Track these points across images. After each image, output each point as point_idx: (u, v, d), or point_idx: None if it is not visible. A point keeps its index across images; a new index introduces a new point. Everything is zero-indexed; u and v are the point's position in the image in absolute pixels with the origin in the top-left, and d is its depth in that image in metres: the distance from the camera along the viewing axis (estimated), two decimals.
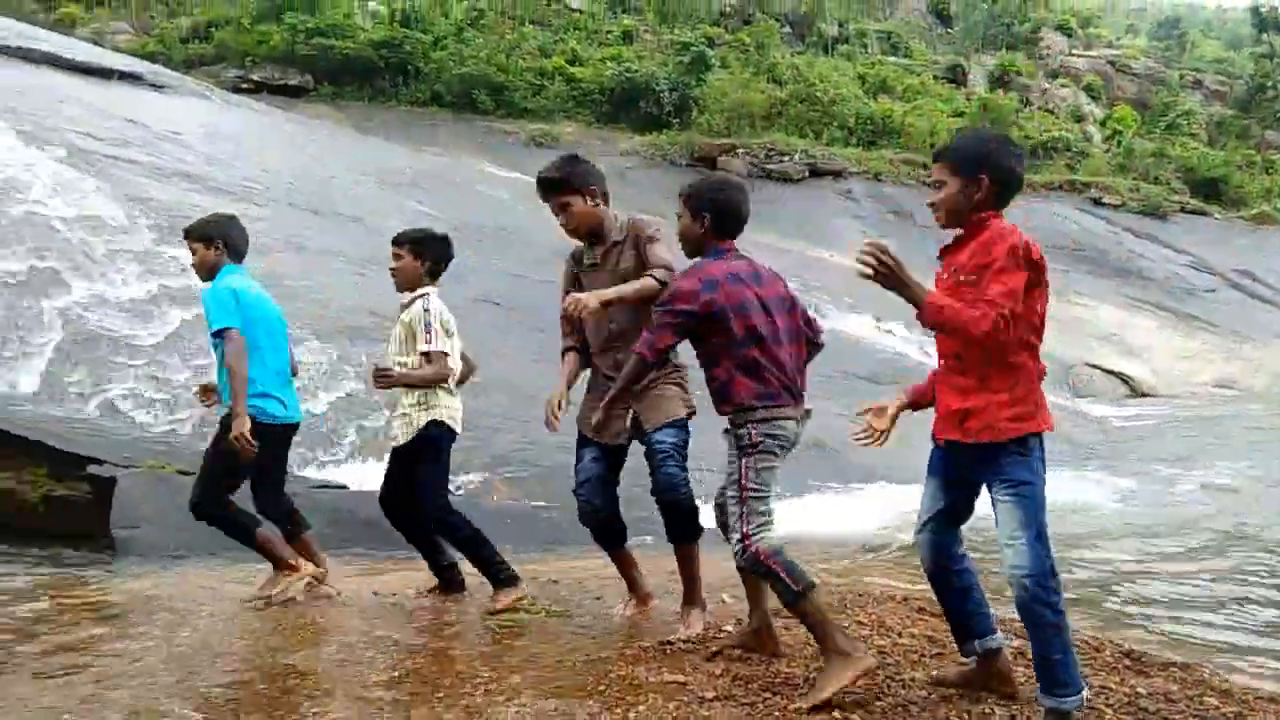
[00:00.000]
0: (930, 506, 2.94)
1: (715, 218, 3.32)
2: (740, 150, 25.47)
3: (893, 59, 36.19)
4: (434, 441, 4.18)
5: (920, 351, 15.04)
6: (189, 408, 6.94)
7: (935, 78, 34.86)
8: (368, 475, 6.38)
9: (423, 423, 4.17)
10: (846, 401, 11.36)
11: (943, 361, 2.91)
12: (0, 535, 5.60)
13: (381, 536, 4.65)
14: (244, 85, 24.65)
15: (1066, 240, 24.98)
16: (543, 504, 6.78)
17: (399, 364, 4.22)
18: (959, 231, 2.88)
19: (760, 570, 3.02)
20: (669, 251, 3.70)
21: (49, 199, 8.91)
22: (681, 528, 3.64)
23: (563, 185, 3.79)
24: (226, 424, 4.20)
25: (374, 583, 4.81)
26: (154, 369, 7.37)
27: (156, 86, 15.69)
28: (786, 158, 25.36)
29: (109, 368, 7.23)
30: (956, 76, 35.91)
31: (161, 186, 10.44)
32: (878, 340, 14.94)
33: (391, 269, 4.35)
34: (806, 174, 25.12)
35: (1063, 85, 36.79)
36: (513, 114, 26.67)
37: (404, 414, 4.22)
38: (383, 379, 4.12)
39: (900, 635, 3.50)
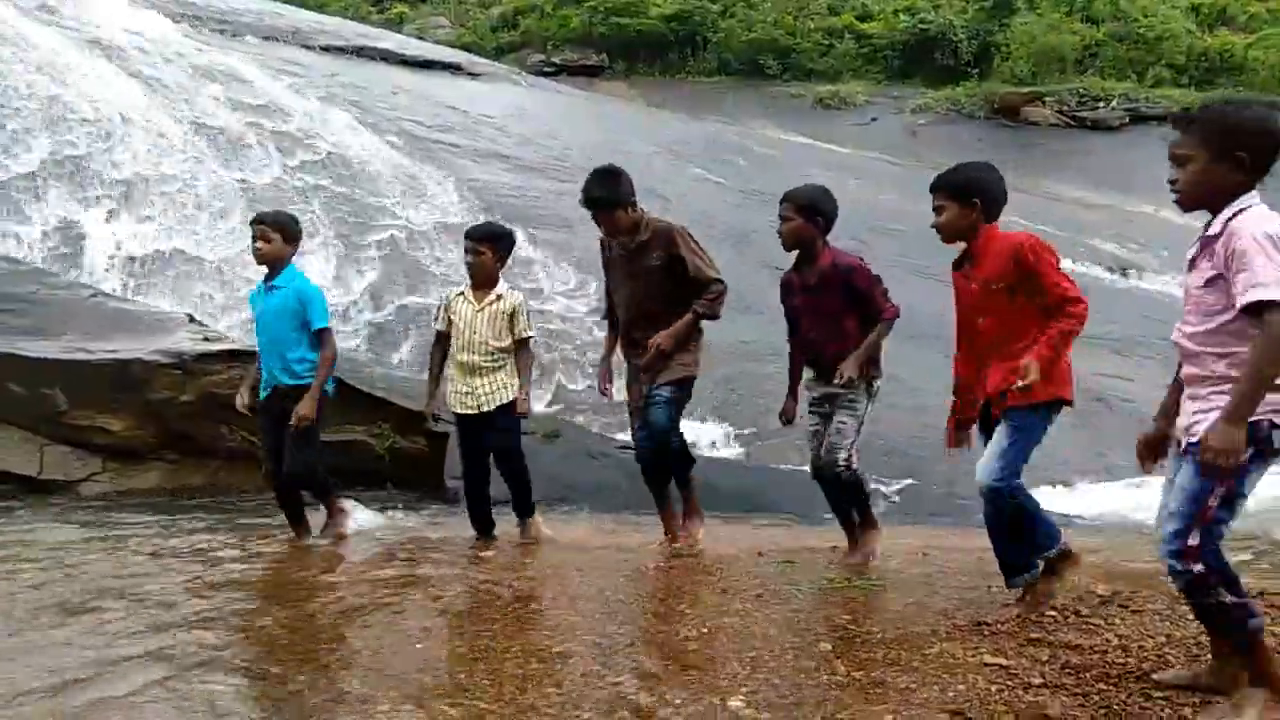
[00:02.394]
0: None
1: (827, 222, 4.30)
2: (1047, 98, 23.53)
3: None
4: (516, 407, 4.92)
5: None
6: None
7: None
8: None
9: (515, 391, 4.87)
10: None
11: (995, 344, 3.37)
12: (350, 480, 6.38)
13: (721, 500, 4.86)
14: (547, 69, 26.09)
15: None
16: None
17: (494, 346, 4.85)
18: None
19: (853, 479, 4.23)
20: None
21: (388, 182, 9.95)
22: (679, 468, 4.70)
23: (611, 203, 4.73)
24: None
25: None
26: None
27: (472, 75, 17.01)
28: (1102, 104, 23.11)
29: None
30: None
31: (480, 167, 11.34)
32: None
33: (470, 263, 4.87)
34: (1126, 120, 22.76)
35: None
36: (799, 77, 26.27)
37: (504, 383, 4.87)
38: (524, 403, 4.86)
39: None
